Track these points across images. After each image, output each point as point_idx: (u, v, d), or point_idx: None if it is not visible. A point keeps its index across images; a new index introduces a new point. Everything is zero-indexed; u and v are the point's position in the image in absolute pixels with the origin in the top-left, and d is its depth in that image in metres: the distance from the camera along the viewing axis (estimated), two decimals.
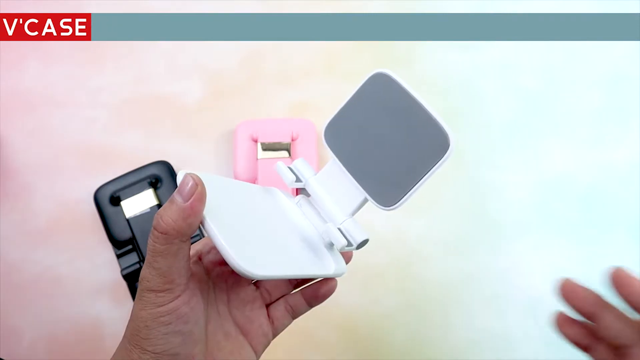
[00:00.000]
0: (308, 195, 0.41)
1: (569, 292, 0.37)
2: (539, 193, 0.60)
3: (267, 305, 0.40)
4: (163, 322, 0.32)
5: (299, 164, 0.41)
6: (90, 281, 0.56)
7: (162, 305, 0.32)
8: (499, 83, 0.64)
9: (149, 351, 0.32)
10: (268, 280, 0.40)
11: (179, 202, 0.32)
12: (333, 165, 0.39)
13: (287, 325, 0.40)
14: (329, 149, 0.39)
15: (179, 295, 0.32)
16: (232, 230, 0.33)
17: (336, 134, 0.39)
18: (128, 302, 0.55)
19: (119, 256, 0.56)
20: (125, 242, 0.56)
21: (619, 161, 0.61)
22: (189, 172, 0.33)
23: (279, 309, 0.39)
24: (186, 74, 0.64)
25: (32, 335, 0.54)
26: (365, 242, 0.38)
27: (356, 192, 0.38)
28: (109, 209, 0.57)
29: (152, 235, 0.32)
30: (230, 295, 0.38)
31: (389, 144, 0.36)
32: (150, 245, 0.32)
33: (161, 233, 0.31)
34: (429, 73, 0.65)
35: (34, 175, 0.60)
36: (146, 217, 0.56)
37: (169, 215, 0.31)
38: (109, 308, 0.55)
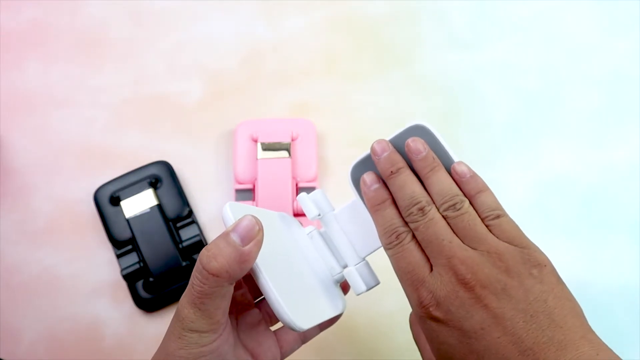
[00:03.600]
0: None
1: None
2: (539, 193, 0.60)
3: (275, 329, 0.39)
4: None
5: (318, 197, 0.40)
6: (90, 281, 0.56)
7: (204, 346, 0.31)
8: (499, 83, 0.64)
9: None
10: (266, 302, 0.39)
11: (237, 244, 0.30)
12: (355, 205, 0.38)
13: (295, 350, 0.39)
14: (353, 189, 0.38)
15: (220, 335, 0.32)
16: (277, 277, 0.32)
17: (362, 172, 0.38)
18: (128, 302, 0.55)
19: (118, 256, 0.56)
20: (125, 242, 0.56)
21: (619, 161, 0.61)
22: (242, 210, 0.31)
23: (290, 334, 0.39)
24: (186, 74, 0.64)
25: (32, 335, 0.54)
26: (376, 284, 0.38)
27: (376, 237, 0.37)
28: (108, 209, 0.57)
29: (200, 274, 0.30)
30: (239, 319, 0.37)
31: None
32: (197, 286, 0.30)
33: (212, 275, 0.29)
34: (429, 73, 0.65)
35: (34, 175, 0.60)
36: (146, 217, 0.56)
37: (224, 256, 0.30)
38: (109, 308, 0.55)
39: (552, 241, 0.58)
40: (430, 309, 0.33)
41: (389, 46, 0.66)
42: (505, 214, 0.35)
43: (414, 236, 0.35)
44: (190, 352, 0.30)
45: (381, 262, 0.37)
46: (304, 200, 0.38)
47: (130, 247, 0.56)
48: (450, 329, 0.32)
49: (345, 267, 0.38)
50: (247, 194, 0.58)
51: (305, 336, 0.39)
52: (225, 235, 0.30)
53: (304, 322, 0.31)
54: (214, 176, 0.60)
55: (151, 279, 0.55)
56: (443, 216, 0.35)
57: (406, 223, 0.35)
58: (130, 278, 0.55)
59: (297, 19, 0.67)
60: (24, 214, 0.59)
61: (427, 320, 0.33)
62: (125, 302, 0.56)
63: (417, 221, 0.35)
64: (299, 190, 0.58)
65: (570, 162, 0.61)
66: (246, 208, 0.34)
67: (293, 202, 0.56)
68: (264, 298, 0.39)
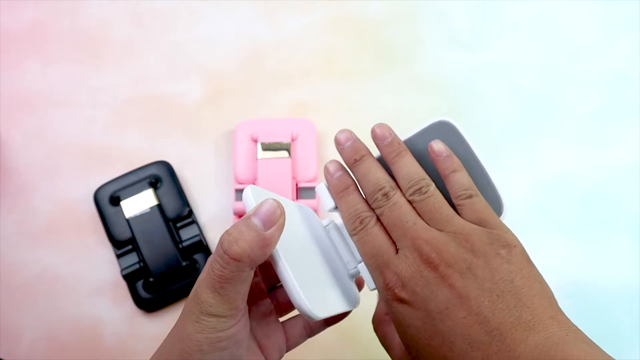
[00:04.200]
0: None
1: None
2: (539, 193, 0.60)
3: (283, 321, 0.38)
4: (220, 347, 0.30)
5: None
6: (90, 281, 0.56)
7: (222, 331, 0.30)
8: (499, 83, 0.64)
9: None
10: (279, 290, 0.39)
11: (259, 228, 0.29)
12: None
13: (300, 343, 0.39)
14: None
15: (239, 321, 0.31)
16: (296, 265, 0.31)
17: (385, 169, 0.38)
18: (128, 302, 0.55)
19: (118, 256, 0.56)
20: (125, 242, 0.56)
21: (619, 161, 0.61)
22: (263, 194, 0.31)
23: (297, 327, 0.38)
24: (186, 74, 0.64)
25: (32, 335, 0.54)
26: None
27: None
28: (108, 209, 0.57)
29: (221, 259, 0.29)
30: (251, 308, 0.36)
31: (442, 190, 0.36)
32: (218, 270, 0.29)
33: (234, 259, 0.29)
34: (429, 73, 0.65)
35: (34, 175, 0.60)
36: (146, 217, 0.56)
37: (246, 240, 0.29)
38: (109, 308, 0.55)
39: (552, 241, 0.58)
40: (396, 290, 0.33)
41: (389, 46, 0.66)
42: (478, 194, 0.35)
43: (379, 221, 0.35)
44: (208, 337, 0.30)
45: None
46: (323, 192, 0.38)
47: (130, 247, 0.56)
48: (416, 310, 0.32)
49: (360, 262, 0.37)
50: None
51: (311, 330, 0.39)
52: (246, 219, 0.30)
53: (320, 311, 0.30)
54: (214, 176, 0.60)
55: (151, 279, 0.55)
56: (409, 200, 0.35)
57: (371, 209, 0.35)
58: (130, 278, 0.55)
59: (297, 19, 0.67)
60: (24, 214, 0.59)
61: (393, 302, 0.33)
62: (125, 302, 0.56)
63: (382, 206, 0.35)
64: (299, 190, 0.58)
65: (570, 162, 0.61)
66: (267, 193, 0.33)
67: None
68: (276, 288, 0.39)
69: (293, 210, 0.37)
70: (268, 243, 0.29)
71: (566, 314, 0.31)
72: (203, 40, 0.66)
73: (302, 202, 0.55)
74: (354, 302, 0.37)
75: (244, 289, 0.30)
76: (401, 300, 0.32)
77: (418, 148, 0.37)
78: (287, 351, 0.38)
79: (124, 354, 0.54)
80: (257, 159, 0.58)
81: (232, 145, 0.61)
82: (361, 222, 0.35)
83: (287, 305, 0.39)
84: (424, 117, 0.63)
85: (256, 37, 0.66)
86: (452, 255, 0.32)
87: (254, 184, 0.57)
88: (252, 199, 0.31)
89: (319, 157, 0.59)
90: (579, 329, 0.31)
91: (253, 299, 0.37)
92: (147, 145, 0.61)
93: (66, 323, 0.55)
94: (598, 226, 0.58)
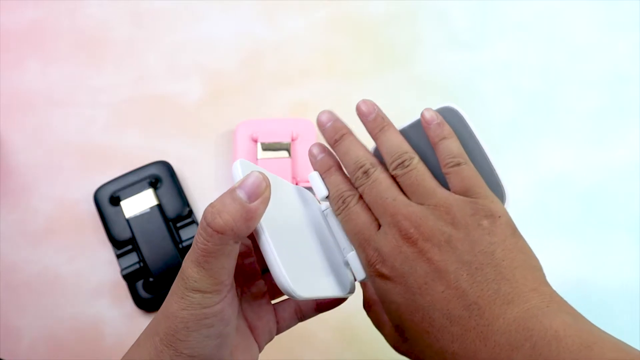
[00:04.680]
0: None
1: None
2: (539, 193, 0.60)
3: (274, 303, 0.38)
4: (206, 324, 0.29)
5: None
6: (90, 281, 0.56)
7: (207, 307, 0.29)
8: (499, 83, 0.64)
9: (184, 354, 0.30)
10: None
11: (243, 200, 0.28)
12: None
13: (291, 327, 0.38)
14: None
15: (225, 297, 0.30)
16: (282, 242, 0.31)
17: None
18: (128, 302, 0.55)
19: (118, 256, 0.56)
20: (125, 242, 0.56)
21: (619, 161, 0.61)
22: (252, 168, 0.30)
23: (288, 311, 0.38)
24: (186, 74, 0.65)
25: (32, 335, 0.54)
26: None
27: None
28: (108, 209, 0.57)
29: (204, 231, 0.28)
30: (243, 289, 0.36)
31: (439, 178, 0.35)
32: (201, 244, 0.28)
33: (217, 232, 0.28)
34: (429, 73, 0.65)
35: (34, 175, 0.60)
36: (146, 217, 0.56)
37: (229, 212, 0.28)
38: (109, 308, 0.55)
39: (552, 241, 0.58)
40: (377, 265, 0.33)
41: (388, 46, 0.66)
42: (466, 162, 0.34)
43: (361, 199, 0.35)
44: (193, 314, 0.29)
45: None
46: (315, 179, 0.37)
47: (130, 247, 0.56)
48: (396, 285, 0.32)
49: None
50: None
51: (302, 314, 0.38)
52: (231, 191, 0.29)
53: (302, 290, 0.30)
54: (214, 176, 0.60)
55: (151, 279, 0.55)
56: (393, 175, 0.35)
57: (355, 188, 0.36)
58: (130, 278, 0.55)
59: (297, 19, 0.67)
60: (24, 214, 0.59)
61: (375, 278, 0.33)
62: (125, 302, 0.56)
63: (363, 184, 0.35)
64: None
65: (570, 162, 0.61)
66: (257, 168, 0.32)
67: None
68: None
69: (290, 191, 0.37)
70: (252, 216, 0.28)
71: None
72: (203, 40, 0.66)
73: None
74: (347, 289, 0.36)
75: (228, 264, 0.29)
76: (382, 276, 0.32)
77: (419, 134, 0.36)
78: (277, 334, 0.38)
79: (124, 354, 0.54)
80: (257, 159, 0.58)
81: (232, 145, 0.61)
82: (344, 202, 0.35)
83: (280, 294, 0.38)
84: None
85: (256, 37, 0.66)
86: (430, 228, 0.32)
87: None
88: (240, 172, 0.31)
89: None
90: (563, 300, 0.30)
91: (247, 280, 0.36)
92: (147, 145, 0.61)
93: (66, 323, 0.55)
94: (598, 226, 0.58)
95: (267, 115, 0.62)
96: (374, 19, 0.67)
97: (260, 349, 0.36)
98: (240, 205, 0.28)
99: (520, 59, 0.65)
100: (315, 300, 0.38)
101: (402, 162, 0.34)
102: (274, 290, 0.38)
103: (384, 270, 0.32)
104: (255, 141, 0.58)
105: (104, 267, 0.57)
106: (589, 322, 0.29)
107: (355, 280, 0.36)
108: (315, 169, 0.37)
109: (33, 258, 0.57)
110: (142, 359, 0.31)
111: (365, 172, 0.35)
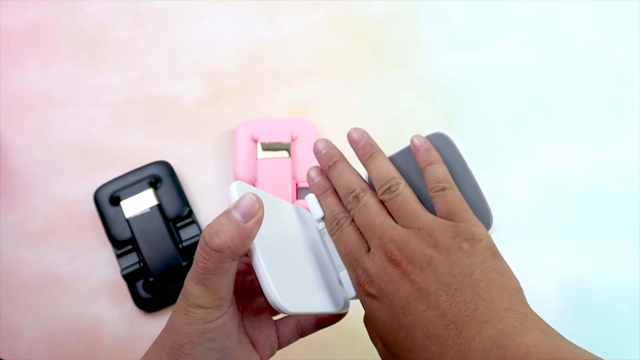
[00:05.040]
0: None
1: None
2: (539, 193, 0.60)
3: (276, 319, 0.39)
4: (209, 338, 0.31)
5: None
6: (90, 281, 0.56)
7: (210, 322, 0.31)
8: (499, 83, 0.64)
9: None
10: None
11: (239, 220, 0.30)
12: None
13: (292, 342, 0.40)
14: None
15: (226, 312, 0.32)
16: (274, 259, 0.32)
17: None
18: (128, 302, 0.55)
19: (118, 256, 0.56)
20: (125, 242, 0.56)
21: (619, 161, 0.61)
22: (247, 189, 0.32)
23: (289, 326, 0.39)
24: (186, 74, 0.64)
25: (32, 335, 0.54)
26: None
27: None
28: (108, 209, 0.57)
29: (203, 251, 0.30)
30: (245, 305, 0.37)
31: (428, 204, 0.36)
32: (201, 262, 0.30)
33: (215, 250, 0.30)
34: (429, 73, 0.65)
35: (34, 175, 0.60)
36: (146, 217, 0.56)
37: (226, 232, 0.30)
38: (108, 308, 0.55)
39: (552, 241, 0.58)
40: (365, 285, 0.34)
41: (388, 46, 0.66)
42: (452, 187, 0.36)
43: (353, 222, 0.37)
44: (197, 328, 0.31)
45: None
46: (312, 201, 0.39)
47: (130, 247, 0.56)
48: (382, 305, 0.33)
49: None
50: None
51: (303, 330, 0.40)
52: (227, 213, 0.31)
53: (291, 305, 0.31)
54: (214, 176, 0.60)
55: (151, 279, 0.55)
56: (381, 200, 0.36)
57: (347, 211, 0.37)
58: (130, 278, 0.55)
59: (297, 19, 0.67)
60: (24, 214, 0.59)
61: (364, 297, 0.35)
62: (125, 302, 0.56)
63: (353, 208, 0.37)
64: (299, 190, 0.58)
65: (570, 162, 0.61)
66: (252, 189, 0.34)
67: (293, 202, 0.56)
68: None
69: (288, 210, 0.39)
70: (247, 234, 0.31)
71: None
72: (203, 40, 0.66)
73: (302, 202, 0.55)
74: (340, 306, 0.37)
75: (227, 280, 0.31)
76: (370, 295, 0.34)
77: (410, 160, 0.38)
78: (278, 349, 0.39)
79: (124, 354, 0.54)
80: (257, 159, 0.58)
81: (232, 145, 0.61)
82: (337, 223, 0.37)
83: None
84: (424, 117, 0.63)
85: (256, 37, 0.66)
86: (413, 251, 0.33)
87: (253, 184, 0.57)
88: (236, 193, 0.33)
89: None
90: (538, 318, 0.31)
91: (247, 297, 0.37)
92: (147, 145, 0.61)
93: (66, 323, 0.55)
94: (598, 226, 0.58)
95: (267, 115, 0.62)
96: (374, 19, 0.67)
97: None
98: (235, 225, 0.30)
99: (520, 59, 0.65)
100: (315, 316, 0.39)
101: (389, 187, 0.36)
102: None
103: (371, 290, 0.34)
104: (255, 141, 0.58)
105: (104, 267, 0.57)
106: (562, 337, 0.30)
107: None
108: (312, 191, 0.40)
109: (33, 258, 0.57)
110: None
111: (356, 197, 0.37)
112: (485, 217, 0.35)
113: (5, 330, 0.54)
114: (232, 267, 0.31)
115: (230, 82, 0.64)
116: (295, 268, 0.35)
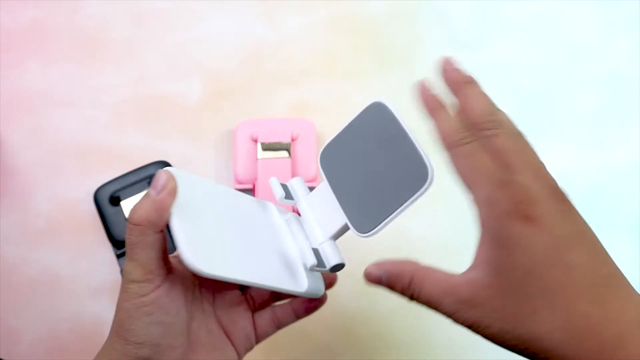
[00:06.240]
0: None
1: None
2: None
3: (254, 312, 0.40)
4: (146, 312, 0.33)
5: (294, 183, 0.42)
6: (90, 281, 0.56)
7: (144, 295, 0.33)
8: (499, 83, 0.64)
9: (131, 341, 0.34)
10: (252, 287, 0.40)
11: (152, 194, 0.33)
12: (324, 187, 0.40)
13: (270, 334, 0.41)
14: (322, 172, 0.40)
15: (159, 286, 0.34)
16: (196, 227, 0.34)
17: (331, 158, 0.40)
18: None
19: (118, 256, 0.56)
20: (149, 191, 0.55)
21: (619, 161, 0.61)
22: (169, 169, 0.35)
23: (264, 317, 0.40)
24: (186, 74, 0.64)
25: (32, 335, 0.54)
26: (339, 266, 0.38)
27: (339, 216, 0.38)
28: (108, 209, 0.57)
29: (127, 228, 0.33)
30: (216, 296, 0.39)
31: (375, 174, 0.37)
32: (127, 239, 0.33)
33: (134, 225, 0.33)
34: (429, 73, 0.65)
35: (34, 175, 0.60)
36: None
37: (142, 207, 0.33)
38: (109, 308, 0.55)
39: None
40: (527, 205, 0.30)
41: (388, 46, 0.66)
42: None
43: None
44: (133, 303, 0.33)
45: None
46: (273, 183, 0.41)
47: None
48: (541, 233, 0.30)
49: (330, 238, 0.39)
50: (247, 193, 0.58)
51: (279, 321, 0.40)
52: (146, 193, 0.34)
53: (207, 267, 0.32)
54: (214, 176, 0.60)
55: None
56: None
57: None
58: None
59: (297, 19, 0.67)
60: (24, 214, 0.59)
61: (515, 222, 0.30)
62: None
63: (497, 128, 0.33)
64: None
65: (570, 162, 0.61)
66: (200, 182, 0.37)
67: None
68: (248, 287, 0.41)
69: (235, 198, 0.40)
70: (160, 206, 0.33)
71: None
72: (203, 40, 0.66)
73: None
74: (300, 287, 0.38)
75: (154, 254, 0.34)
76: (528, 219, 0.30)
77: (356, 135, 0.38)
78: (257, 341, 0.40)
79: None
80: (257, 159, 0.58)
81: (232, 145, 0.61)
82: (468, 136, 0.33)
83: (261, 302, 0.41)
84: (423, 116, 0.63)
85: (256, 37, 0.66)
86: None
87: (253, 184, 0.57)
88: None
89: (318, 157, 0.59)
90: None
91: (218, 287, 0.39)
92: (147, 145, 0.61)
93: (66, 323, 0.55)
94: (598, 226, 0.58)
95: (267, 115, 0.62)
96: (374, 19, 0.67)
97: (239, 354, 0.39)
98: (150, 200, 0.33)
99: (520, 59, 0.65)
100: (291, 304, 0.40)
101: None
102: (255, 303, 0.41)
103: (535, 213, 0.30)
104: (255, 141, 0.58)
105: (104, 267, 0.57)
106: None
107: (320, 270, 0.38)
108: (426, 103, 0.37)
109: (33, 258, 0.57)
110: (102, 355, 0.35)
111: (499, 120, 0.34)
112: (422, 171, 0.35)
113: (5, 330, 0.54)
114: (157, 240, 0.33)
115: (230, 82, 0.64)
116: (233, 242, 0.36)
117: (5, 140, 0.61)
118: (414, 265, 0.34)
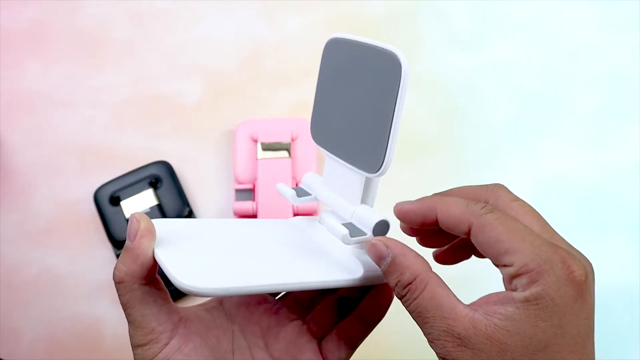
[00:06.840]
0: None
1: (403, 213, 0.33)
2: (539, 193, 0.60)
3: (319, 340, 0.35)
4: None
5: (307, 178, 0.38)
6: (90, 281, 0.56)
7: (152, 359, 0.30)
8: (499, 83, 0.64)
9: None
10: (315, 312, 0.36)
11: (127, 244, 0.30)
12: (328, 161, 0.37)
13: (344, 359, 0.35)
14: (317, 146, 0.37)
15: (166, 344, 0.30)
16: (186, 251, 0.31)
17: (318, 126, 0.37)
18: None
19: (118, 256, 0.56)
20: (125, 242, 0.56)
21: (619, 161, 0.61)
22: (137, 213, 0.32)
23: (331, 342, 0.35)
24: (186, 74, 0.64)
25: (32, 335, 0.54)
26: (382, 224, 0.33)
27: (353, 174, 0.34)
28: (108, 209, 0.57)
29: (116, 289, 0.31)
30: (268, 339, 0.34)
31: (356, 109, 0.34)
32: (120, 301, 0.30)
33: (118, 283, 0.30)
34: (429, 73, 0.65)
35: (34, 175, 0.60)
36: None
37: (121, 262, 0.30)
38: (109, 308, 0.55)
39: None
40: (582, 278, 0.30)
41: None
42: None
43: None
44: None
45: None
46: (281, 189, 0.37)
47: None
48: (587, 311, 0.29)
49: (370, 231, 0.34)
50: (247, 194, 0.58)
51: (350, 340, 0.35)
52: (124, 246, 0.31)
53: (202, 282, 0.28)
54: (214, 176, 0.60)
55: None
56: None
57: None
58: None
59: (297, 19, 0.67)
60: (24, 214, 0.59)
61: (568, 286, 0.29)
62: None
63: (491, 211, 0.31)
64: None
65: (570, 162, 0.61)
66: (174, 221, 0.35)
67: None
68: (312, 312, 0.37)
69: (236, 223, 0.38)
70: (137, 253, 0.30)
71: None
72: (203, 40, 0.66)
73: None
74: (357, 274, 0.33)
75: (149, 309, 0.30)
76: (582, 292, 0.29)
77: (327, 84, 0.36)
78: None
79: (124, 354, 0.54)
80: (257, 159, 0.58)
81: (232, 145, 0.61)
82: (486, 206, 0.32)
83: (324, 323, 0.36)
84: (424, 117, 0.63)
85: (256, 37, 0.66)
86: None
87: (253, 184, 0.57)
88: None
89: (318, 157, 0.59)
90: None
91: (265, 323, 0.35)
92: (147, 145, 0.61)
93: (66, 323, 0.55)
94: (598, 226, 0.58)
95: (267, 115, 0.62)
96: (374, 19, 0.67)
97: None
98: (126, 251, 0.30)
99: (520, 59, 0.65)
100: (356, 314, 0.36)
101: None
102: (320, 326, 0.36)
103: (585, 287, 0.30)
104: (255, 141, 0.58)
105: (104, 267, 0.57)
106: None
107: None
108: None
109: (33, 258, 0.57)
110: None
111: (490, 207, 0.32)
112: (392, 62, 0.33)
113: (5, 330, 0.54)
114: (149, 294, 0.30)
115: (230, 82, 0.64)
116: (239, 254, 0.33)
117: (5, 140, 0.61)
118: (425, 266, 0.30)
